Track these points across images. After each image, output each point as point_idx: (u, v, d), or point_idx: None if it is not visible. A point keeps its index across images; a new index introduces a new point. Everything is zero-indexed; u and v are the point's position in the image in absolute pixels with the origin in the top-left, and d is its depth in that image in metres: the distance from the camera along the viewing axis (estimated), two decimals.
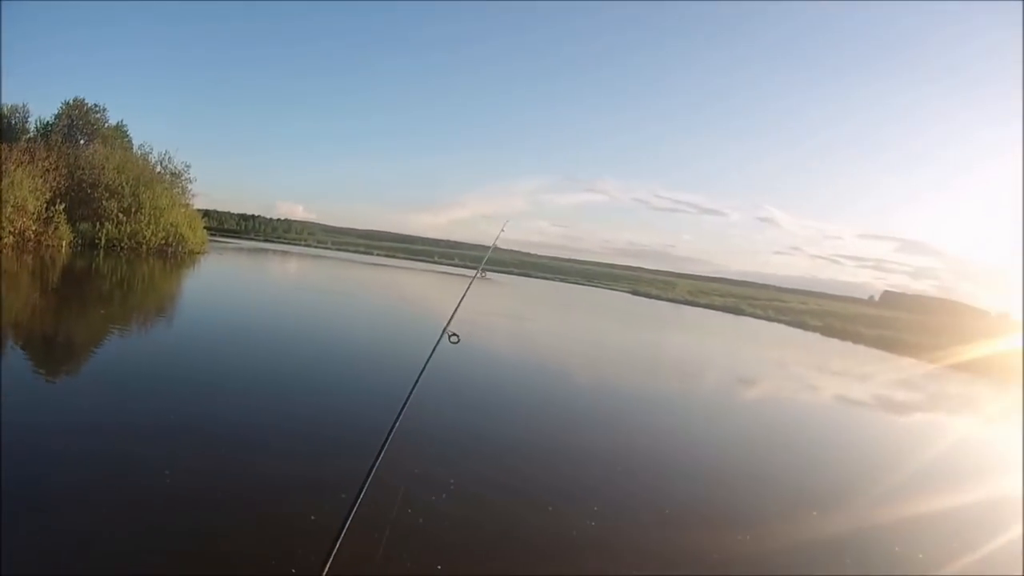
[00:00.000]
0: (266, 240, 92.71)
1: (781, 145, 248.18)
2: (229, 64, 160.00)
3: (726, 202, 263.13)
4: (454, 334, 2.41)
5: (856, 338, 31.76)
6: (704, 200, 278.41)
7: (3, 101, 28.49)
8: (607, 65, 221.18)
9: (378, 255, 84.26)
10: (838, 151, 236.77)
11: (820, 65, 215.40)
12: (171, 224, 30.38)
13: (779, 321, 40.51)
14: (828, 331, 34.98)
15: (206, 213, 41.37)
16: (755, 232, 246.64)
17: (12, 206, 22.58)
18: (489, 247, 4.48)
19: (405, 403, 1.90)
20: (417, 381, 2.05)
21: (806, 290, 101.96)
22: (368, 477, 1.56)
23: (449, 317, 2.62)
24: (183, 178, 34.82)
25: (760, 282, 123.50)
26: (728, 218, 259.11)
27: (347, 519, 1.39)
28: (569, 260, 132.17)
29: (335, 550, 1.33)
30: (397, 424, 1.80)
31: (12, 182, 22.86)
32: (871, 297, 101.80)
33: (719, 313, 43.63)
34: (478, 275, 3.85)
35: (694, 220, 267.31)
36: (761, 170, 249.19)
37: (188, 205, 34.93)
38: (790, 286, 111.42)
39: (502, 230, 4.46)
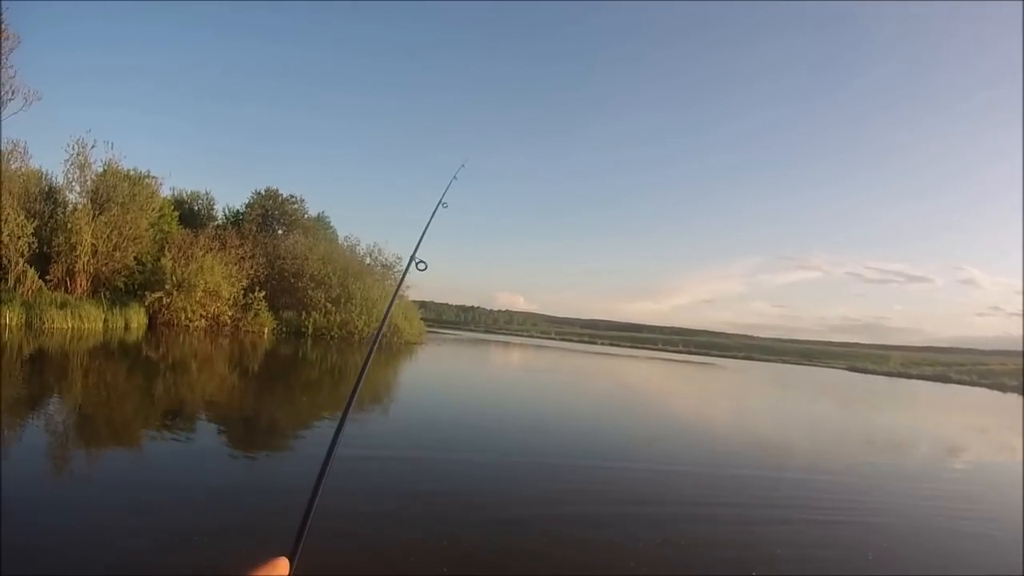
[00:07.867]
0: (486, 331, 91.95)
1: (975, 202, 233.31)
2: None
3: (930, 267, 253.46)
4: None
5: None
6: (911, 268, 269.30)
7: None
8: (805, 145, 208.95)
9: (602, 344, 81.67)
10: None
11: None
12: None
13: (981, 385, 47.10)
14: None
15: (423, 305, 39.52)
16: (959, 296, 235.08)
17: (203, 291, 22.41)
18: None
19: None
20: None
21: (1005, 350, 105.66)
22: None
23: None
24: (395, 270, 33.88)
25: (965, 347, 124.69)
26: (934, 284, 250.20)
27: None
28: (788, 340, 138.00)
29: None
30: None
31: (202, 267, 22.70)
32: None
33: (928, 383, 47.95)
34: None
35: (903, 289, 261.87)
36: (959, 229, 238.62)
37: (403, 297, 33.60)
38: (992, 347, 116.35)
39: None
